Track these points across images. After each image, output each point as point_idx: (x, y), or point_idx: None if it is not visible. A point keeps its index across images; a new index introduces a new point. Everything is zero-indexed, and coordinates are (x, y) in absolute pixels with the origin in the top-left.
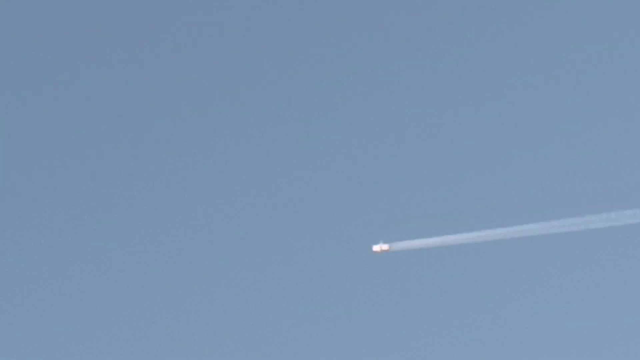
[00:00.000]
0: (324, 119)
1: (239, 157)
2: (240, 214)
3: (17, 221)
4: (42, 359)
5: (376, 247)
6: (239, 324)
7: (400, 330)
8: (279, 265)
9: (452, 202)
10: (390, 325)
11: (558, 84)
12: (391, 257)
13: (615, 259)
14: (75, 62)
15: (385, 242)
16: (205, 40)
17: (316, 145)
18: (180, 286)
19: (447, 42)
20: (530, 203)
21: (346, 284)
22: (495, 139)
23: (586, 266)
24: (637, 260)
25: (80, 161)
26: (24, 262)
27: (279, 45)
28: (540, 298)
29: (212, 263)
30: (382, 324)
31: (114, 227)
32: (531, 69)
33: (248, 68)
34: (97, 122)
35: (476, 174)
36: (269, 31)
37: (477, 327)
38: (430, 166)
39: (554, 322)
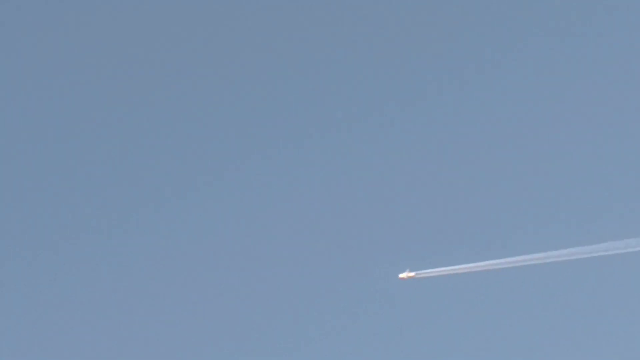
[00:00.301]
0: (352, 149)
1: (269, 186)
2: (268, 242)
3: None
4: (42, 359)
5: (402, 275)
6: (267, 349)
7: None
8: (309, 291)
9: (473, 232)
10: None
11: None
12: (416, 283)
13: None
14: (75, 64)
15: (411, 270)
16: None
17: (348, 178)
18: (204, 316)
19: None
20: (553, 230)
21: (374, 309)
22: (515, 171)
23: (608, 294)
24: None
25: (80, 163)
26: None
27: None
28: (567, 324)
29: (238, 289)
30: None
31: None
32: (548, 91)
33: (268, 106)
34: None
35: (495, 202)
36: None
37: (501, 353)
38: (453, 199)
39: (579, 348)
